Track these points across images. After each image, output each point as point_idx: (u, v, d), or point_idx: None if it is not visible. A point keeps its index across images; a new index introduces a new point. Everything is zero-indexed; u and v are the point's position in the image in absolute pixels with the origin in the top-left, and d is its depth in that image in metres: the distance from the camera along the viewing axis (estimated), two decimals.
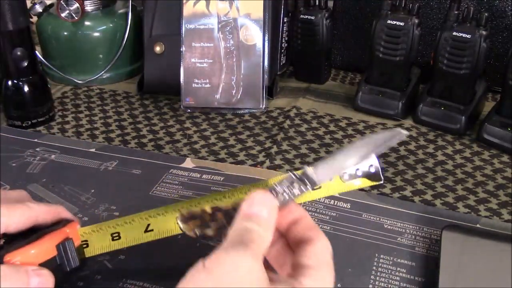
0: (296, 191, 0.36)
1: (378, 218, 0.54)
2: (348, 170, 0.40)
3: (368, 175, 0.41)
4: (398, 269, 0.47)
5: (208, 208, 0.37)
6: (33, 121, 0.73)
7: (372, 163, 0.41)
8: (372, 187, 0.60)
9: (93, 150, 0.66)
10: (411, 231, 0.52)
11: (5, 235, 0.39)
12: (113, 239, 0.40)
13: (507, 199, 0.58)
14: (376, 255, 0.49)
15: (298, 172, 0.37)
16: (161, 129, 0.73)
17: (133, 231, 0.40)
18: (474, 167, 0.64)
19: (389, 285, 0.46)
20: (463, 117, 0.70)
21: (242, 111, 0.77)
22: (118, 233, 0.40)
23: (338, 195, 0.57)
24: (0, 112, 0.75)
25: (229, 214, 0.36)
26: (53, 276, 0.38)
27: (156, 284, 0.45)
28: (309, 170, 0.37)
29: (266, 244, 0.33)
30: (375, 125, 0.74)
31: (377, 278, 0.46)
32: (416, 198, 0.58)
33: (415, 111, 0.74)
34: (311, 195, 0.39)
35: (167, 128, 0.74)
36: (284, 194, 0.36)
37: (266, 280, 0.31)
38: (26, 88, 0.71)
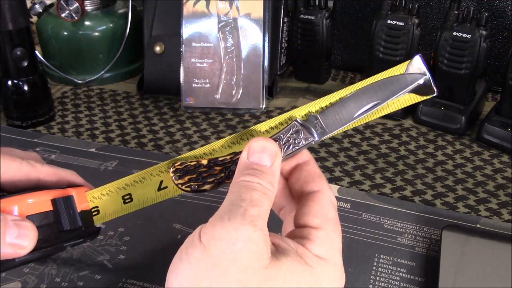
0: (301, 141, 0.33)
1: (378, 218, 0.54)
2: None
3: (416, 89, 0.33)
4: (398, 269, 0.47)
5: (204, 161, 0.33)
6: (33, 121, 0.73)
7: (419, 70, 0.33)
8: (372, 187, 0.60)
9: (93, 150, 0.66)
10: (411, 231, 0.52)
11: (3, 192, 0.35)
12: (125, 202, 0.36)
13: (507, 199, 0.58)
14: (376, 255, 0.49)
15: (303, 119, 0.33)
16: (161, 129, 0.73)
17: (145, 191, 0.36)
18: (474, 167, 0.64)
19: (389, 285, 0.46)
20: (463, 117, 0.70)
21: (242, 111, 0.77)
22: (130, 194, 0.36)
23: (338, 195, 0.57)
24: (0, 112, 0.75)
25: (228, 167, 0.33)
26: (36, 232, 0.33)
27: (156, 284, 0.45)
28: (316, 117, 0.33)
29: (270, 198, 0.30)
30: (375, 125, 0.74)
31: (377, 278, 0.46)
32: (416, 198, 0.58)
33: (415, 111, 0.74)
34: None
35: (167, 128, 0.74)
36: (289, 144, 0.33)
37: (267, 253, 0.28)
38: (26, 88, 0.71)
